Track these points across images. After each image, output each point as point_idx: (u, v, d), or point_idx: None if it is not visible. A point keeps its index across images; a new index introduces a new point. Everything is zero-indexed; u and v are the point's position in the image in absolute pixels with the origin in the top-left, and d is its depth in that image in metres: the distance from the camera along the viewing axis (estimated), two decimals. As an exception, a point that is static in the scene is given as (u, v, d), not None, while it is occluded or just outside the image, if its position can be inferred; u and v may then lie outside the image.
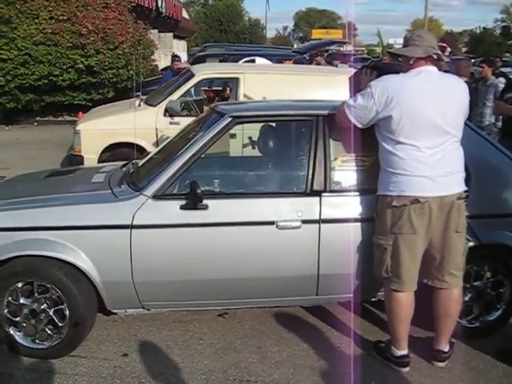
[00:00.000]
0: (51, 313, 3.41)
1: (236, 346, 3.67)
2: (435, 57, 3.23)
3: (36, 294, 3.39)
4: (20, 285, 3.38)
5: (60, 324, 3.42)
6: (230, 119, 3.54)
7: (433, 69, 3.22)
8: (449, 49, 8.25)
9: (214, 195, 3.54)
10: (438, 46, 3.42)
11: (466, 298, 3.64)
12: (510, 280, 3.67)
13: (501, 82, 7.24)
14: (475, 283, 3.68)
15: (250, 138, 4.44)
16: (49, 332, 3.45)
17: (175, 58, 11.32)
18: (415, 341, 3.54)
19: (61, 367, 3.41)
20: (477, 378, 3.36)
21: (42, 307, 3.41)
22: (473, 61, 14.88)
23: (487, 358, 3.54)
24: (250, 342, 3.71)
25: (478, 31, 73.40)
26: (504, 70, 20.97)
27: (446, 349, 3.44)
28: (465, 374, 3.39)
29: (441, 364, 3.44)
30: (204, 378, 3.32)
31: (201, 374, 3.36)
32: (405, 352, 3.38)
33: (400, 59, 3.36)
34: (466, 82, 5.16)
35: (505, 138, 6.13)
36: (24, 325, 3.43)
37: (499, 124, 6.90)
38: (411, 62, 3.21)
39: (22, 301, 3.40)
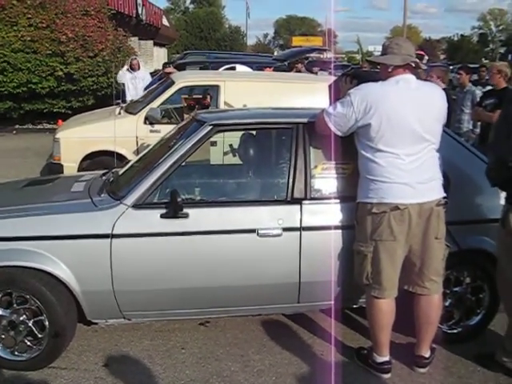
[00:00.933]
0: (30, 324, 3.37)
1: (218, 354, 3.65)
2: (413, 65, 3.26)
3: (15, 305, 3.35)
4: (-2, 296, 3.34)
5: (39, 335, 3.38)
6: (211, 127, 3.54)
7: (411, 77, 3.25)
8: (426, 57, 8.32)
9: (194, 203, 3.53)
10: (416, 54, 3.46)
11: (447, 304, 3.66)
12: (489, 285, 3.70)
13: (478, 89, 7.32)
14: (455, 289, 3.71)
15: (230, 145, 4.44)
16: (28, 343, 3.40)
17: (166, 64, 11.85)
18: (397, 347, 3.55)
19: (41, 379, 3.36)
20: (458, 383, 3.39)
21: (21, 318, 3.36)
22: (451, 67, 15.07)
23: (468, 363, 3.57)
24: (233, 351, 3.70)
25: (455, 38, 74.51)
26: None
27: (427, 354, 3.46)
28: (446, 379, 3.42)
29: (422, 370, 3.45)
30: (186, 388, 3.31)
31: (183, 383, 3.34)
32: (386, 358, 3.40)
33: (378, 67, 3.39)
34: (445, 89, 5.22)
35: (483, 145, 6.19)
36: (3, 336, 3.38)
37: (477, 130, 6.98)
38: (389, 70, 3.24)
39: (0, 312, 3.35)
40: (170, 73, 9.47)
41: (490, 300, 3.74)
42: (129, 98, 9.97)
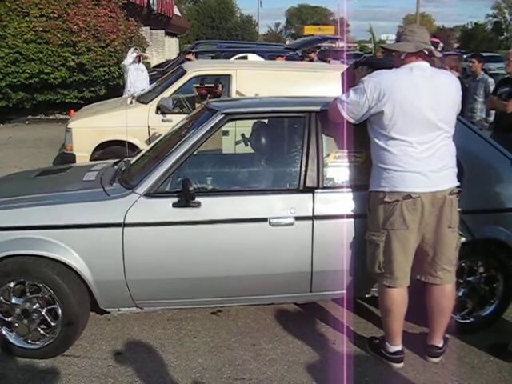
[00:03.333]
0: (44, 312, 3.39)
1: (230, 343, 3.66)
2: (426, 52, 3.22)
3: (28, 294, 3.37)
4: (12, 284, 3.35)
5: (53, 324, 3.40)
6: (222, 116, 3.53)
7: (425, 64, 3.21)
8: (441, 44, 8.18)
9: (206, 192, 3.52)
10: (431, 42, 3.41)
11: (460, 294, 3.64)
12: (503, 275, 3.67)
13: (490, 77, 7.22)
14: (468, 278, 3.69)
15: (242, 134, 4.42)
16: (41, 332, 3.43)
17: (188, 52, 12.58)
18: (409, 337, 3.54)
19: (54, 367, 3.39)
20: (471, 373, 3.37)
21: (35, 307, 3.38)
22: (464, 56, 14.90)
23: (481, 353, 3.55)
24: (244, 340, 3.70)
25: (469, 27, 73.76)
26: (497, 65, 21.04)
27: (440, 344, 3.44)
28: (459, 369, 3.40)
29: (435, 360, 3.44)
30: (198, 376, 3.31)
31: (195, 372, 3.35)
32: (399, 348, 3.38)
33: (393, 54, 3.35)
34: (459, 77, 5.16)
35: (497, 133, 6.12)
36: (16, 325, 3.41)
37: (490, 119, 6.89)
38: (402, 58, 3.20)
39: (13, 301, 3.38)
40: (190, 59, 9.77)
41: (503, 290, 3.71)
42: (132, 90, 9.95)
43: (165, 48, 28.08)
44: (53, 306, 3.37)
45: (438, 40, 8.74)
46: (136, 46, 12.85)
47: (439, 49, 7.23)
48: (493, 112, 6.68)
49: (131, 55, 10.98)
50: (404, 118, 3.08)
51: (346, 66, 4.71)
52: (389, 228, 3.18)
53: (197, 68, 7.50)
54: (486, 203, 3.60)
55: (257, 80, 7.00)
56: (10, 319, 3.41)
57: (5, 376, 3.30)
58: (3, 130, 12.47)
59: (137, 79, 10.79)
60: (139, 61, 11.23)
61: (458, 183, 3.23)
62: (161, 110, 6.99)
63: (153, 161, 3.68)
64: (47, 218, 3.34)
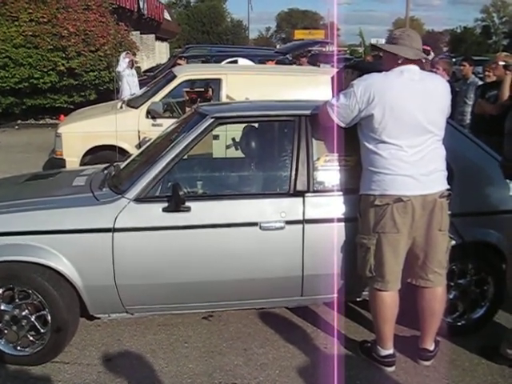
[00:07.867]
0: (33, 319, 3.36)
1: (221, 348, 3.64)
2: (423, 61, 3.23)
3: (17, 300, 3.34)
4: (0, 291, 3.32)
5: (42, 330, 3.37)
6: (212, 120, 3.52)
7: (415, 68, 3.21)
8: (432, 54, 8.22)
9: (196, 197, 3.52)
10: (422, 49, 3.41)
11: (451, 296, 3.65)
12: (493, 277, 3.68)
13: (481, 81, 7.25)
14: (459, 281, 3.69)
15: (233, 138, 4.42)
16: (31, 338, 3.40)
17: (180, 57, 12.94)
18: (401, 340, 3.54)
19: (44, 374, 3.36)
20: (462, 375, 3.37)
21: (24, 313, 3.35)
22: (454, 60, 14.96)
23: (472, 356, 3.55)
24: (236, 345, 3.68)
25: (458, 31, 74.17)
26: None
27: (432, 347, 3.44)
28: (450, 372, 3.40)
29: (426, 363, 3.44)
30: (189, 382, 3.29)
31: (186, 377, 3.33)
32: (390, 351, 3.38)
33: (381, 54, 3.34)
34: (448, 81, 5.18)
35: (488, 137, 6.12)
36: (5, 331, 3.38)
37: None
38: (399, 62, 3.18)
39: (2, 307, 3.35)
40: (180, 64, 9.88)
41: (494, 292, 3.71)
42: (127, 94, 9.90)
43: (155, 52, 28.07)
44: (42, 313, 3.34)
45: (429, 48, 8.77)
46: (127, 49, 12.83)
47: (430, 57, 7.26)
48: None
49: (124, 60, 10.89)
50: (394, 121, 3.08)
51: (336, 70, 4.72)
52: (379, 231, 3.18)
53: (187, 72, 7.50)
54: (475, 206, 3.61)
55: (247, 84, 7.00)
56: (-2, 326, 3.38)
57: (-6, 383, 3.27)
58: (-8, 135, 12.40)
59: (133, 85, 10.75)
60: (132, 66, 11.19)
61: (448, 186, 3.24)
62: (151, 114, 6.97)
63: (143, 165, 3.66)
64: (36, 224, 3.31)
